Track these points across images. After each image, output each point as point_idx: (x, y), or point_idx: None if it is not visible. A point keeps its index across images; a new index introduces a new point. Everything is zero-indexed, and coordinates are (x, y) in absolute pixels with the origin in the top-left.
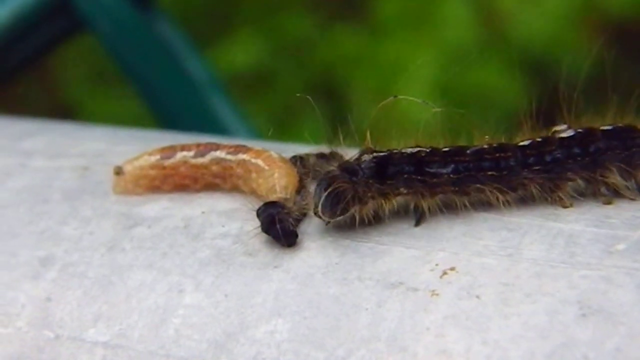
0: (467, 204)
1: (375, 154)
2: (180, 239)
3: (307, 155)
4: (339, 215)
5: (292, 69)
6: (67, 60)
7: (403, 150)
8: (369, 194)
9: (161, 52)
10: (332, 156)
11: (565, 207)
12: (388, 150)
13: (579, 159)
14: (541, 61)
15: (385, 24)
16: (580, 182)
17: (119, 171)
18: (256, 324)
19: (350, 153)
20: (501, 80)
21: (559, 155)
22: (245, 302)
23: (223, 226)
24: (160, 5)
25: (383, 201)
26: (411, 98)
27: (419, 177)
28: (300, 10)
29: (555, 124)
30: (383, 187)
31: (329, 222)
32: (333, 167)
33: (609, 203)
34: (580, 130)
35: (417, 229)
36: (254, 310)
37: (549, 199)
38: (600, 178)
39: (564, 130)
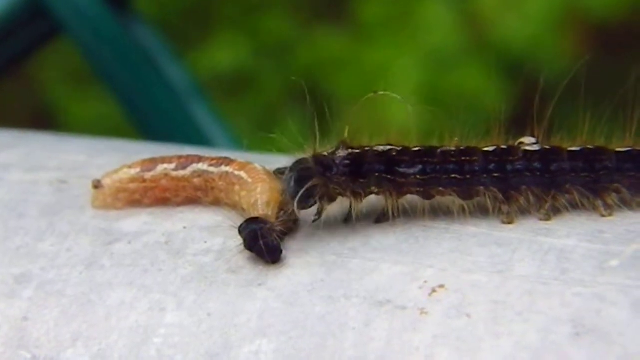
0: (428, 208)
1: (350, 150)
2: (162, 256)
3: None
4: (309, 207)
5: (274, 70)
6: (47, 62)
7: (376, 148)
8: (339, 192)
9: (140, 57)
10: None
11: (505, 222)
12: (361, 147)
13: (538, 174)
14: (522, 64)
15: (367, 27)
16: (531, 198)
17: (97, 185)
18: (240, 344)
19: None
20: (483, 83)
21: (519, 167)
22: (229, 321)
23: (205, 242)
24: (138, 8)
25: (353, 199)
26: (392, 94)
27: (389, 177)
28: (282, 11)
29: (523, 135)
30: (356, 186)
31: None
32: (306, 156)
33: (548, 219)
34: (546, 147)
35: (405, 245)
36: (237, 330)
37: (499, 210)
38: (552, 198)
39: (530, 144)
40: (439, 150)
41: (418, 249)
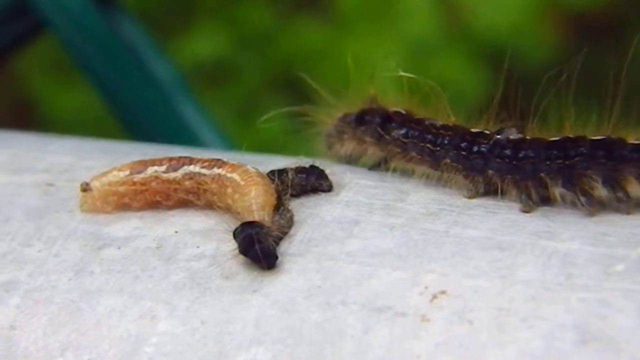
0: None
1: (368, 107)
2: (153, 261)
3: (286, 169)
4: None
5: (255, 61)
6: (27, 54)
7: (385, 107)
8: (346, 134)
9: (124, 52)
10: (312, 170)
11: (465, 197)
12: (375, 103)
13: (507, 160)
14: (503, 52)
15: (346, 16)
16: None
17: (86, 188)
18: (235, 353)
19: (328, 166)
20: (464, 71)
21: (483, 149)
22: (223, 329)
23: (198, 247)
24: (122, 1)
25: (358, 146)
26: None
27: (380, 131)
28: (262, 2)
29: (505, 123)
30: (356, 131)
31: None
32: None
33: (527, 211)
34: (528, 137)
35: (404, 249)
36: (232, 338)
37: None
38: (523, 187)
39: (510, 132)
40: (427, 122)
41: (418, 253)
